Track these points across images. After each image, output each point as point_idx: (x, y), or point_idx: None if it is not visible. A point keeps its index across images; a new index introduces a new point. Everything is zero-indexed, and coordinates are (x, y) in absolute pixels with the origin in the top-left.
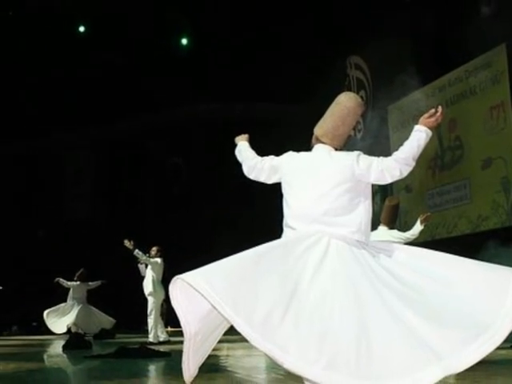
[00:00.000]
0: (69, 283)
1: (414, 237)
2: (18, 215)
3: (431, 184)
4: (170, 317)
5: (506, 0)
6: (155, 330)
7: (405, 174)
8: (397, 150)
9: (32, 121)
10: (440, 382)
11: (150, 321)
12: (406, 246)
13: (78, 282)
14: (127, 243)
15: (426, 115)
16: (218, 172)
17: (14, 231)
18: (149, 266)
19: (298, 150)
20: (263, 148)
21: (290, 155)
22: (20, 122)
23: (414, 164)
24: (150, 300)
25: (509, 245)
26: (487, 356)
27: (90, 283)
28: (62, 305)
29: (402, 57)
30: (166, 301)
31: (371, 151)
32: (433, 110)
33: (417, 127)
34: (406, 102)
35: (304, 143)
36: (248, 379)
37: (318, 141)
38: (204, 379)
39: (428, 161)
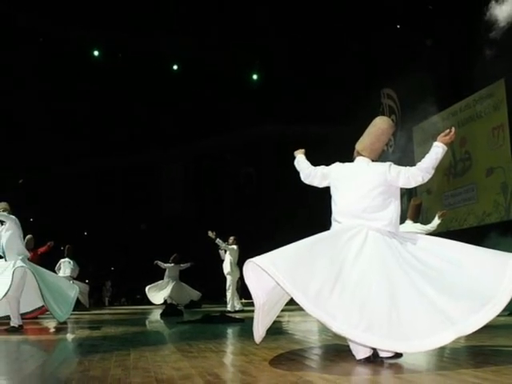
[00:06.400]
0: (165, 265)
1: (433, 229)
2: (127, 212)
3: (446, 187)
4: (243, 291)
5: (505, 45)
6: (232, 302)
7: (426, 180)
8: (420, 161)
9: (138, 140)
10: (453, 342)
11: (228, 294)
12: (427, 236)
13: (173, 264)
14: (210, 234)
15: (442, 134)
16: (280, 178)
17: (123, 225)
18: (227, 252)
19: (343, 161)
20: (316, 160)
21: (337, 165)
22: (130, 142)
23: (433, 172)
24: (228, 278)
25: (507, 235)
26: (490, 322)
27: (182, 265)
28: (160, 282)
29: (423, 89)
30: (241, 278)
31: (400, 162)
32: (447, 130)
33: (435, 144)
34: (427, 124)
35: (347, 156)
36: (304, 340)
37: (359, 154)
38: (270, 339)
39: (444, 169)
